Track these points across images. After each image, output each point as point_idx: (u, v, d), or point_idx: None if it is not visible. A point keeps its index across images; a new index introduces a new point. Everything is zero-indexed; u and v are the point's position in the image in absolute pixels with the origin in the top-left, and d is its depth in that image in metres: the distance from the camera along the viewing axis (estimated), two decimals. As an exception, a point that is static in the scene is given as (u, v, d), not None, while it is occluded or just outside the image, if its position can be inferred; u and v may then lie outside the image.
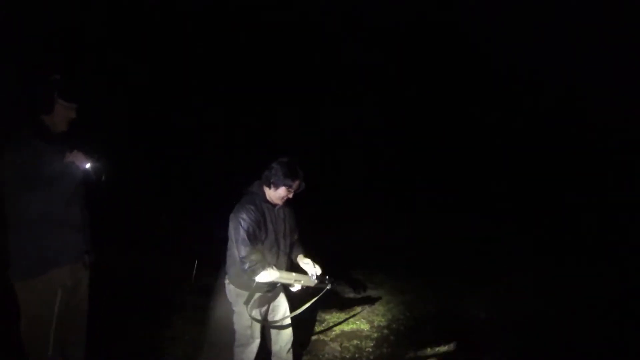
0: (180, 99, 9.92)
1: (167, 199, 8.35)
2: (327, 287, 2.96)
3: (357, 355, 3.81)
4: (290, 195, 2.82)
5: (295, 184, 2.76)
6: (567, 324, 3.94)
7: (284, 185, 2.73)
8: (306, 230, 3.32)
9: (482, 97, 11.75)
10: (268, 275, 2.68)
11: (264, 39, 11.08)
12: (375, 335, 4.12)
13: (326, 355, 3.83)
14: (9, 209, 2.23)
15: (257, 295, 2.85)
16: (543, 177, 9.83)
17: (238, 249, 2.69)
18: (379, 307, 4.73)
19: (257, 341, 2.97)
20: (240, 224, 2.67)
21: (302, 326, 4.32)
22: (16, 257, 2.27)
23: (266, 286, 2.83)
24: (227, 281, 2.93)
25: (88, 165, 2.35)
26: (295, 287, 2.85)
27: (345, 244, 7.21)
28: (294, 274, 2.85)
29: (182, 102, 9.93)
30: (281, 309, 3.09)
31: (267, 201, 2.81)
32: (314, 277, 2.90)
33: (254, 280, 2.70)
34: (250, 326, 2.89)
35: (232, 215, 2.76)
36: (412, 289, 5.12)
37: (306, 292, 2.94)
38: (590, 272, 5.05)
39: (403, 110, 11.86)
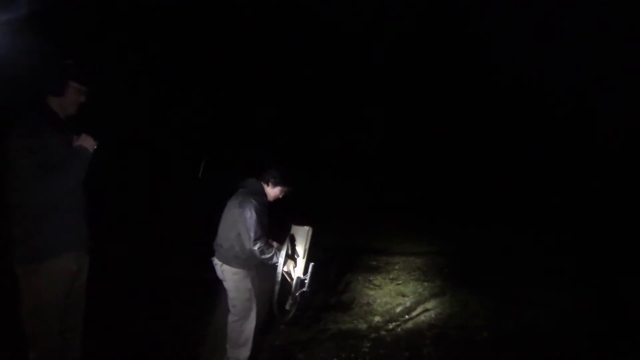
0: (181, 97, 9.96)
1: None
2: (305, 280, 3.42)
3: (352, 355, 3.79)
4: (281, 196, 3.34)
5: (290, 188, 3.33)
6: (567, 348, 3.93)
7: (282, 186, 3.28)
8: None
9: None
10: (282, 255, 3.17)
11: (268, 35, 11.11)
12: (372, 335, 4.11)
13: (322, 354, 3.81)
14: (18, 195, 2.19)
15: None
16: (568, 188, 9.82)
17: (249, 232, 3.05)
18: (377, 308, 4.71)
19: (255, 310, 3.29)
20: (254, 211, 3.05)
21: (298, 324, 4.32)
22: (23, 241, 2.24)
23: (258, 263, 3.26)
24: (219, 263, 3.25)
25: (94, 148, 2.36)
26: (287, 267, 3.30)
27: (347, 244, 7.21)
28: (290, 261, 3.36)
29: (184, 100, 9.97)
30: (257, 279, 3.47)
31: (265, 195, 3.28)
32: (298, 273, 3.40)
33: (256, 259, 3.13)
34: (249, 298, 3.24)
35: (237, 204, 3.15)
36: (412, 293, 5.10)
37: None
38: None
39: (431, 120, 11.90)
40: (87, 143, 2.34)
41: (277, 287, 3.38)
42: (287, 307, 3.49)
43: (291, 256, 3.40)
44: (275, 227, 3.47)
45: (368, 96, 12.22)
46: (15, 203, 2.23)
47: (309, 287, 3.43)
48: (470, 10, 12.11)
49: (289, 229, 3.58)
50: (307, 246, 3.48)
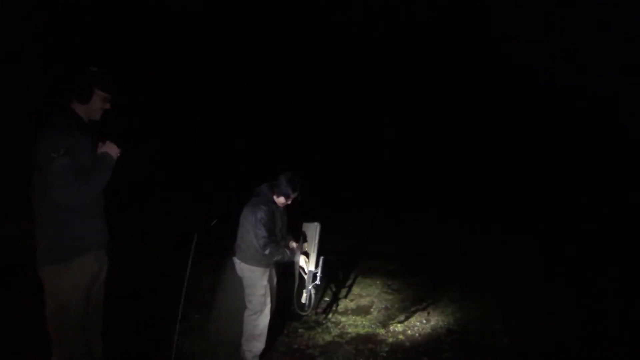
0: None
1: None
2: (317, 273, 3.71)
3: (371, 359, 3.80)
4: (289, 202, 3.56)
5: (294, 195, 3.52)
6: (589, 354, 3.85)
7: (284, 195, 3.49)
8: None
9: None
10: (298, 253, 3.59)
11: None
12: (391, 340, 4.10)
13: (340, 358, 3.82)
14: (48, 197, 2.22)
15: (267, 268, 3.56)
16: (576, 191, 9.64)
17: (258, 239, 3.36)
18: (395, 313, 4.70)
19: (269, 306, 3.57)
20: (260, 220, 3.37)
21: (318, 328, 4.34)
22: (48, 244, 2.28)
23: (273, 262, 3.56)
24: (238, 261, 3.54)
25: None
26: (301, 262, 3.64)
27: (364, 249, 7.19)
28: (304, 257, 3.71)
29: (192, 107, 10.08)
30: (275, 277, 3.78)
31: (274, 202, 3.54)
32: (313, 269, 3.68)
33: (270, 259, 3.44)
34: (264, 294, 3.53)
35: (249, 211, 3.46)
36: (430, 298, 5.05)
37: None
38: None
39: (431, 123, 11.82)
40: (112, 150, 2.40)
41: (296, 283, 3.70)
42: (304, 300, 3.72)
43: (304, 252, 3.71)
44: (289, 226, 3.71)
45: (374, 95, 12.19)
46: (41, 205, 2.28)
47: (320, 279, 3.71)
48: (473, 7, 11.98)
49: (300, 227, 3.85)
50: (317, 241, 3.75)
